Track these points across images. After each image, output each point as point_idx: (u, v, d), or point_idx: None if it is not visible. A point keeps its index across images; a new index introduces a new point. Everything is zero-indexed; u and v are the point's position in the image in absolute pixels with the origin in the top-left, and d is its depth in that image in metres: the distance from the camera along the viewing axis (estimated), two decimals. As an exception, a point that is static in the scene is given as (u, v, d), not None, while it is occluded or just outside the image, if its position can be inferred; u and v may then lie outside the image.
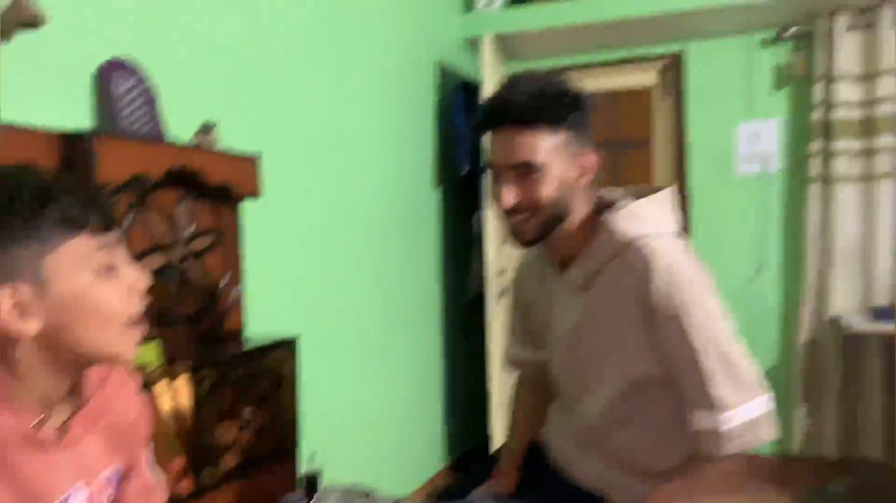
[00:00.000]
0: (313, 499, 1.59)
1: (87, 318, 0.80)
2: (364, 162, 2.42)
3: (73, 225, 0.78)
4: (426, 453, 2.88)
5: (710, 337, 1.15)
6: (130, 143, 1.38)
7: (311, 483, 1.63)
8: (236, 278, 1.72)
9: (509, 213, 1.21)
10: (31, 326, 0.78)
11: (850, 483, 2.80)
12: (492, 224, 2.88)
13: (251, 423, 1.58)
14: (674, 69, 3.37)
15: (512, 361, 1.56)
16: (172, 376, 1.46)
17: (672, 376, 1.19)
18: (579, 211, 1.25)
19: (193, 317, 1.62)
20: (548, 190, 1.18)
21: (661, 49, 3.34)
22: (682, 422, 1.20)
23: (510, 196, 1.19)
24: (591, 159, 1.24)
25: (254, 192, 1.70)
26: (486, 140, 1.24)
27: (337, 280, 2.23)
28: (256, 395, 1.61)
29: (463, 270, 3.20)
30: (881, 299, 2.91)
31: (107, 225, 0.82)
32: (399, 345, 2.66)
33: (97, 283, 0.80)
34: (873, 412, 2.93)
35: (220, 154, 1.61)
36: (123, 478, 0.98)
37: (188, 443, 1.46)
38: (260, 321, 1.80)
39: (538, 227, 1.21)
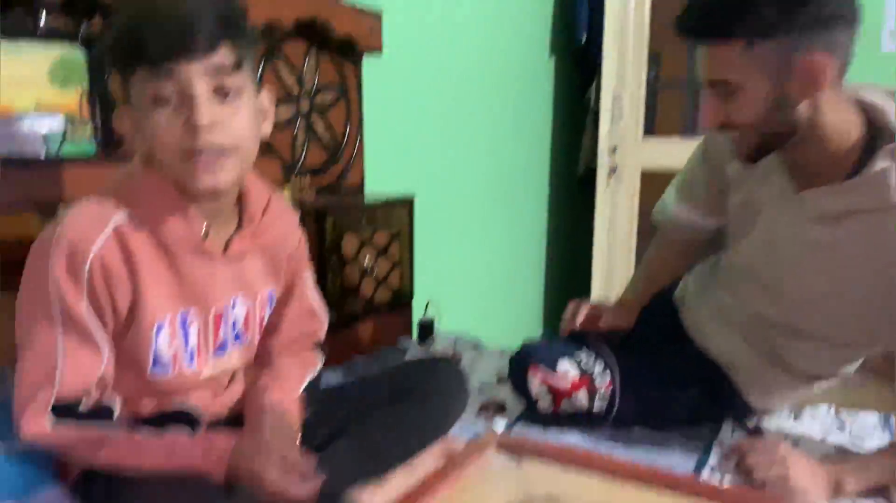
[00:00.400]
0: (426, 343, 1.71)
1: (150, 142, 0.81)
2: (480, 24, 2.36)
3: (143, 51, 0.76)
4: (524, 325, 2.97)
5: None
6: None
7: (425, 329, 1.74)
8: (357, 134, 1.77)
9: (718, 128, 1.06)
10: (136, 145, 0.84)
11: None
12: (607, 97, 2.78)
13: (373, 272, 1.67)
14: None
15: (668, 219, 1.41)
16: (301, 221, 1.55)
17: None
18: (832, 125, 1.01)
19: (318, 169, 1.69)
20: (749, 111, 1.00)
21: None
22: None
23: (710, 114, 1.04)
24: (818, 64, 0.95)
25: (376, 48, 1.70)
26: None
27: (450, 142, 2.25)
28: (377, 247, 1.69)
29: (574, 146, 3.13)
30: None
31: (202, 49, 0.78)
32: (505, 214, 2.69)
33: (154, 110, 0.79)
34: None
35: (347, 6, 1.60)
36: (281, 301, 1.06)
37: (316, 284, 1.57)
38: (376, 177, 1.86)
39: (754, 147, 1.06)
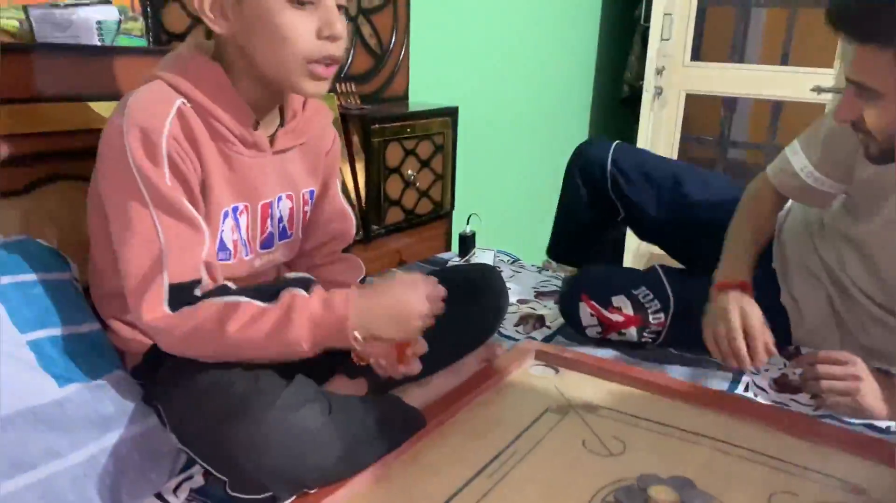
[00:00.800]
0: (467, 256, 1.72)
1: (269, 37, 0.82)
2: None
3: None
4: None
5: None
6: None
7: (466, 242, 1.75)
8: (403, 41, 1.73)
9: (851, 125, 1.00)
10: (220, 24, 0.83)
11: None
12: (658, 14, 2.66)
13: (415, 183, 1.68)
14: None
15: (790, 180, 1.25)
16: (344, 131, 1.55)
17: None
18: None
19: (363, 75, 1.67)
20: (886, 120, 0.93)
21: None
22: None
23: (843, 110, 0.98)
24: None
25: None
26: None
27: (495, 56, 2.19)
28: (420, 158, 1.68)
29: (618, 67, 3.03)
30: None
31: None
32: (548, 131, 2.65)
33: (289, 9, 0.81)
34: None
35: None
36: (317, 200, 1.08)
37: (361, 193, 1.58)
38: (422, 88, 1.83)
39: (881, 152, 0.99)
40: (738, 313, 1.12)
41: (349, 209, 1.13)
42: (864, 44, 0.91)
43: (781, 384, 1.19)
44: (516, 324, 1.41)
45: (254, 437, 0.74)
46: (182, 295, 0.79)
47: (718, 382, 1.19)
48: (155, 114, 0.80)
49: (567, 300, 1.33)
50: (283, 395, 0.77)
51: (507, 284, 1.64)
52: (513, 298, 1.55)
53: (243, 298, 0.81)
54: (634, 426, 1.00)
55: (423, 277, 0.89)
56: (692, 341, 1.28)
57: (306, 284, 0.86)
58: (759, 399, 1.13)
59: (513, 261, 1.81)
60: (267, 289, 0.84)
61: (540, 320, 1.42)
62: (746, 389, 1.17)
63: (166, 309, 0.79)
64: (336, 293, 0.82)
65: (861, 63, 0.92)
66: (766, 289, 1.26)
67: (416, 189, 1.69)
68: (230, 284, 0.85)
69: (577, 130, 2.93)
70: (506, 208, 2.39)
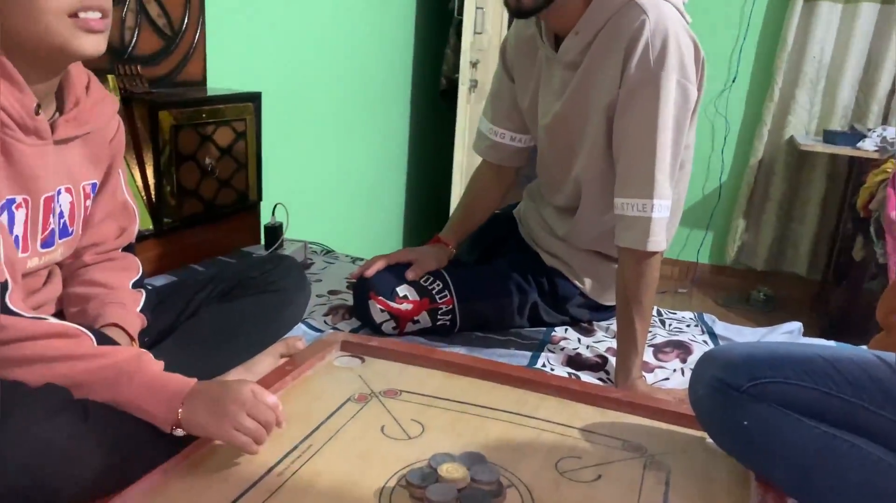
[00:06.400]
0: (272, 248, 1.64)
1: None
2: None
3: None
4: (384, 234, 2.96)
5: (669, 119, 1.09)
6: None
7: (272, 234, 1.68)
8: (198, 21, 1.61)
9: None
10: None
11: (771, 292, 3.05)
12: (470, 8, 2.73)
13: (214, 172, 1.57)
14: None
15: (486, 146, 1.43)
16: (128, 116, 1.41)
17: (616, 147, 1.16)
18: None
19: (151, 56, 1.53)
20: None
21: None
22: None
23: None
24: None
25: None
26: None
27: (304, 39, 2.11)
28: (218, 145, 1.58)
29: (436, 62, 3.08)
30: (837, 126, 2.98)
31: None
32: (365, 120, 2.62)
33: None
34: (805, 231, 3.13)
35: None
36: (99, 193, 0.97)
37: (150, 184, 1.45)
38: (225, 73, 1.72)
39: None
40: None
41: (133, 203, 1.03)
42: None
43: (575, 362, 1.26)
44: (325, 315, 1.37)
45: None
46: None
47: (518, 360, 1.24)
48: None
49: (358, 303, 1.33)
50: (22, 405, 0.67)
51: (318, 276, 1.60)
52: (323, 289, 1.51)
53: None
54: (433, 407, 1.00)
55: (261, 396, 0.81)
56: (490, 319, 1.34)
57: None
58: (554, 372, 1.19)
59: (325, 252, 1.77)
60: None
61: (350, 311, 1.39)
62: (543, 366, 1.22)
63: None
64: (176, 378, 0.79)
65: None
66: (535, 267, 1.38)
67: (216, 178, 1.59)
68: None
69: (397, 121, 2.93)
70: (320, 198, 2.33)
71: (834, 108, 3.01)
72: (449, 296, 1.31)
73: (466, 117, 2.90)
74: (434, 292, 1.30)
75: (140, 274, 1.01)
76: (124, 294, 0.94)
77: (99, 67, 1.25)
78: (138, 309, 0.94)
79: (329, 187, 2.40)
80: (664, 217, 1.13)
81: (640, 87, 1.09)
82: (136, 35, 1.48)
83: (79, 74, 0.89)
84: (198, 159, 1.52)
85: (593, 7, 1.13)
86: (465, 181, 3.00)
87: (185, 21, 1.59)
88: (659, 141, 1.10)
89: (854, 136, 2.74)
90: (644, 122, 1.10)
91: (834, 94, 3.00)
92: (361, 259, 1.73)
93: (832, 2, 2.92)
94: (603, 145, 1.19)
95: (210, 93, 1.61)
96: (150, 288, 1.05)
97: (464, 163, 2.94)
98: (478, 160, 1.51)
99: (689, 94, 1.11)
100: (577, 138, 1.23)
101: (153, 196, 1.44)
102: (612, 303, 1.34)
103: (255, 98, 1.66)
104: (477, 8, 2.80)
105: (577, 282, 1.36)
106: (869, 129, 2.79)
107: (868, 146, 2.64)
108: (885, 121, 2.94)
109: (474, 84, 2.92)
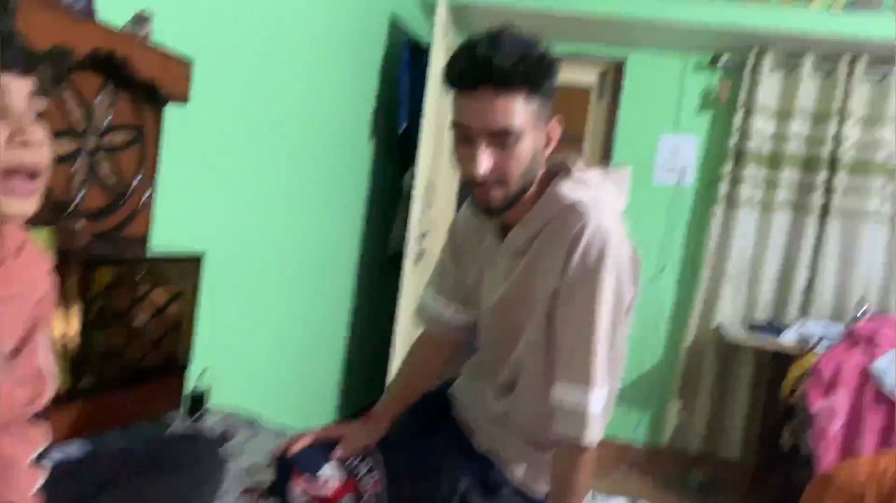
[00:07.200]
0: (195, 417, 1.55)
1: None
2: (300, 95, 2.35)
3: None
4: (319, 401, 2.86)
5: (605, 314, 1.13)
6: (56, 10, 1.27)
7: (197, 401, 1.59)
8: (149, 181, 1.64)
9: (479, 179, 1.13)
10: None
11: (708, 476, 3.01)
12: (421, 185, 2.87)
13: (144, 333, 1.51)
14: (614, 73, 3.49)
15: (429, 317, 1.46)
16: (61, 271, 1.37)
17: (554, 341, 1.18)
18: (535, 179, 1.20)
19: (96, 212, 1.53)
20: (522, 160, 1.12)
21: (605, 52, 3.44)
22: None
23: (486, 163, 1.11)
24: (557, 129, 1.19)
25: (182, 96, 1.61)
26: (456, 100, 1.14)
27: (255, 205, 2.16)
28: (153, 306, 1.54)
29: (386, 227, 3.18)
30: (760, 316, 3.15)
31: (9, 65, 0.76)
32: (309, 287, 2.62)
33: None
34: (737, 415, 3.18)
35: (152, 48, 1.51)
36: (12, 355, 0.91)
37: (70, 343, 1.38)
38: (168, 230, 1.72)
39: (506, 198, 1.16)
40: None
41: (50, 370, 0.96)
42: (514, 91, 1.08)
43: None
44: (238, 497, 1.27)
45: None
46: None
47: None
48: None
49: (279, 482, 1.24)
50: None
51: (240, 450, 1.50)
52: (244, 463, 1.41)
53: None
54: None
55: None
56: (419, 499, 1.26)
57: None
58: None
59: (250, 423, 1.67)
60: None
61: (269, 491, 1.29)
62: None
63: None
64: None
65: (507, 110, 1.09)
66: (468, 452, 1.33)
67: (146, 340, 1.52)
68: None
69: (341, 287, 2.95)
70: (254, 361, 2.26)
71: (756, 302, 3.20)
72: (376, 479, 1.24)
73: (413, 284, 2.94)
74: (360, 475, 1.23)
75: (44, 446, 0.93)
76: (19, 473, 0.85)
77: (40, 219, 1.23)
78: (33, 489, 0.85)
79: (265, 351, 2.34)
80: (600, 410, 1.13)
81: (579, 283, 1.14)
82: (83, 191, 1.48)
83: (13, 235, 0.87)
84: (129, 319, 1.47)
85: (541, 204, 1.20)
86: (405, 349, 2.98)
87: (138, 180, 1.61)
88: (595, 335, 1.13)
89: (776, 329, 2.89)
90: (582, 315, 1.14)
91: (756, 288, 3.21)
92: (290, 430, 1.64)
93: (749, 209, 3.22)
94: (545, 327, 1.21)
95: (154, 251, 1.60)
96: (54, 461, 0.96)
97: (406, 330, 2.94)
98: (418, 331, 1.51)
99: (623, 293, 1.16)
100: (521, 320, 1.25)
101: (77, 354, 1.36)
102: (544, 493, 1.29)
103: (196, 260, 1.65)
104: (427, 185, 2.95)
105: (507, 474, 1.31)
106: (788, 324, 2.95)
107: (788, 339, 2.78)
108: (804, 313, 3.12)
109: (421, 254, 3.00)
